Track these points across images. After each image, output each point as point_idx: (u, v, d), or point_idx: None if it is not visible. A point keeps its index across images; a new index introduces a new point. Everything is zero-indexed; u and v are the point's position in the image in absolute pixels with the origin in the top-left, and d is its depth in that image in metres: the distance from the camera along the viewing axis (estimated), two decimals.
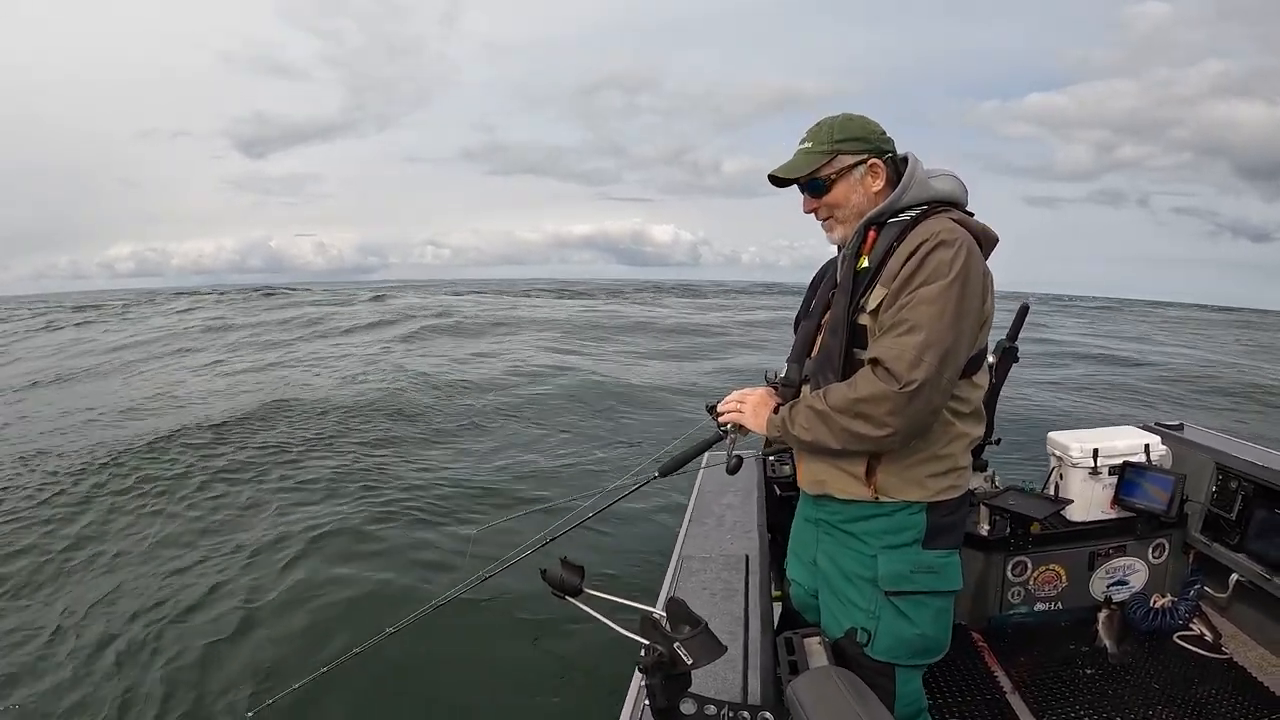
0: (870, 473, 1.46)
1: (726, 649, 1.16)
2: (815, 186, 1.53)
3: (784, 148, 1.63)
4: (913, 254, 1.37)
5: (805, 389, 1.58)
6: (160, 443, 7.40)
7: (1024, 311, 2.54)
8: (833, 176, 1.51)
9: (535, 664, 3.52)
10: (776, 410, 1.54)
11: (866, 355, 1.40)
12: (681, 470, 1.88)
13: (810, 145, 1.51)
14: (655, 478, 1.83)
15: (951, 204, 1.50)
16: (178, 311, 33.77)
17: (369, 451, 7.25)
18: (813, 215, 1.58)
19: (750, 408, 1.63)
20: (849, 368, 1.45)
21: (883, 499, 1.47)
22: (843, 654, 1.51)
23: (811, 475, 1.58)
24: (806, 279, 1.75)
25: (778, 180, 1.55)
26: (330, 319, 25.47)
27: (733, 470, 1.66)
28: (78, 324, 27.78)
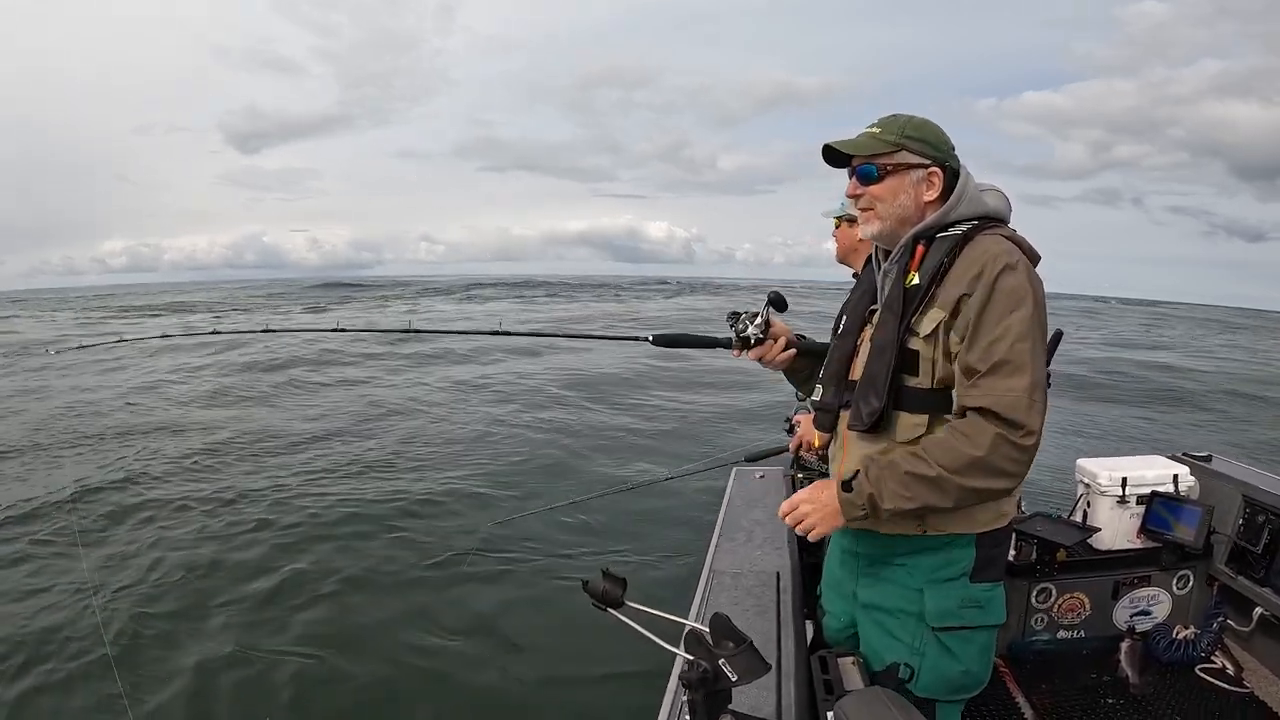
0: None
1: (770, 667, 1.17)
2: (867, 172, 1.45)
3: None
4: (977, 278, 1.31)
5: (844, 414, 1.52)
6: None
7: (1058, 338, 2.52)
8: (889, 168, 1.43)
9: (569, 675, 3.55)
10: (847, 488, 1.37)
11: (972, 403, 1.30)
12: (675, 346, 1.80)
13: (879, 131, 1.44)
14: (649, 341, 1.75)
15: (998, 220, 1.45)
16: None
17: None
18: (852, 201, 1.51)
19: (818, 507, 1.43)
20: (896, 394, 1.40)
21: (930, 532, 1.42)
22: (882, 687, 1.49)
23: None
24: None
25: (832, 156, 1.49)
26: None
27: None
28: None
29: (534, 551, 5.08)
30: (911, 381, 1.39)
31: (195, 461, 7.16)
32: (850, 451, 1.52)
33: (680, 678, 1.17)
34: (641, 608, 1.28)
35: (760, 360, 1.68)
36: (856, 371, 1.51)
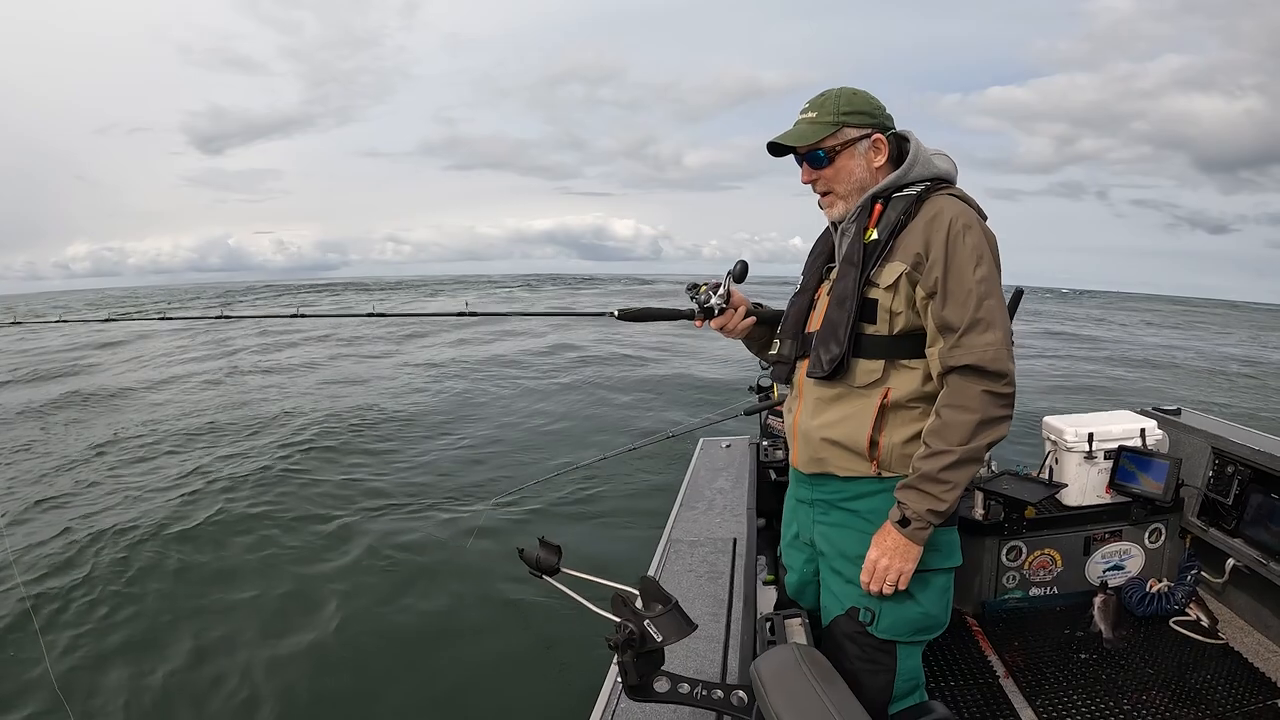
0: (873, 447, 1.44)
1: (696, 626, 1.15)
2: (816, 158, 1.49)
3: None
4: (938, 235, 1.37)
5: (801, 365, 1.57)
6: None
7: (1018, 296, 2.52)
8: (836, 149, 1.48)
9: (516, 644, 3.55)
10: (905, 523, 1.38)
11: (957, 362, 1.36)
12: (640, 320, 1.80)
13: (815, 115, 1.48)
14: (614, 316, 1.79)
15: (948, 181, 1.51)
16: None
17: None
18: (810, 187, 1.55)
19: (892, 554, 1.41)
20: (855, 342, 1.44)
21: (885, 474, 1.45)
22: (843, 632, 1.50)
23: (810, 454, 1.54)
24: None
25: (777, 149, 1.52)
26: None
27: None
28: None
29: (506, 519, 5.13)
30: (870, 329, 1.45)
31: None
32: (806, 399, 1.56)
33: (607, 640, 1.15)
34: (577, 574, 1.27)
35: (722, 329, 1.70)
36: (814, 324, 1.56)
